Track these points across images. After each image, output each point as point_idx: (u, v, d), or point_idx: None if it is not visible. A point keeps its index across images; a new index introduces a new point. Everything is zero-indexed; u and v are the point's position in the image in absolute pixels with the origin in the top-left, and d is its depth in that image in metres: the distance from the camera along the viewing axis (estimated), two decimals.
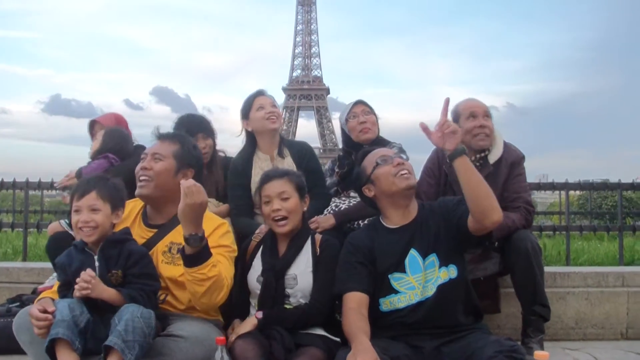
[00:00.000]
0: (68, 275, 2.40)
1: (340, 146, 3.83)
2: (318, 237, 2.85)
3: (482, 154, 3.35)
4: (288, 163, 3.54)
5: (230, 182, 3.59)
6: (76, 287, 2.28)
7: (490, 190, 2.41)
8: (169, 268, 2.57)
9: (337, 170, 3.67)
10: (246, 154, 3.63)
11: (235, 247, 2.71)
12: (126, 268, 2.40)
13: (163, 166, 2.66)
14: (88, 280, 2.26)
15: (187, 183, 2.30)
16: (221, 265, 2.48)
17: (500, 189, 3.28)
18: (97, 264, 2.39)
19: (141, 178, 2.65)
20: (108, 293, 2.32)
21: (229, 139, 4.15)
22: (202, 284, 2.38)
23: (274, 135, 3.60)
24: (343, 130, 3.69)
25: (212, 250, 2.46)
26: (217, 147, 3.79)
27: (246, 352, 2.40)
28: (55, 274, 3.65)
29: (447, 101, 2.49)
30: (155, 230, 2.67)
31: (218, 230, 2.62)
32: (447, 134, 2.40)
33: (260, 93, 3.64)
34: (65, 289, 2.41)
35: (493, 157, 3.34)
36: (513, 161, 3.35)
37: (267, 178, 2.85)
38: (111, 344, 2.16)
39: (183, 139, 2.80)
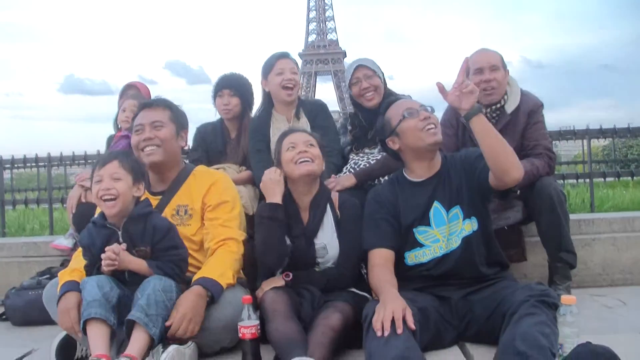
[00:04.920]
0: (94, 254, 2.38)
1: None
2: (335, 197, 2.79)
3: (499, 105, 3.31)
4: (303, 123, 3.51)
5: (251, 141, 3.57)
6: (103, 263, 2.28)
7: (509, 147, 2.36)
8: (181, 229, 2.60)
9: (349, 128, 3.62)
10: (263, 115, 3.61)
11: (237, 199, 2.80)
12: (153, 244, 2.39)
13: (168, 132, 2.70)
14: (114, 258, 2.27)
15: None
16: (231, 231, 2.65)
17: (520, 137, 3.27)
18: (121, 240, 2.37)
19: (148, 148, 2.66)
20: (135, 264, 2.34)
21: None
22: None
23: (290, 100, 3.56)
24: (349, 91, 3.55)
25: (216, 211, 2.66)
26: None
27: (276, 304, 2.40)
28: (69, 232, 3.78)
29: (467, 61, 2.42)
30: (159, 197, 2.71)
31: (215, 186, 2.73)
32: (465, 94, 2.34)
33: (283, 56, 3.58)
34: (92, 268, 2.38)
35: (510, 107, 3.31)
36: (531, 109, 3.31)
37: (290, 131, 2.85)
38: (134, 319, 2.16)
39: (169, 102, 2.81)
